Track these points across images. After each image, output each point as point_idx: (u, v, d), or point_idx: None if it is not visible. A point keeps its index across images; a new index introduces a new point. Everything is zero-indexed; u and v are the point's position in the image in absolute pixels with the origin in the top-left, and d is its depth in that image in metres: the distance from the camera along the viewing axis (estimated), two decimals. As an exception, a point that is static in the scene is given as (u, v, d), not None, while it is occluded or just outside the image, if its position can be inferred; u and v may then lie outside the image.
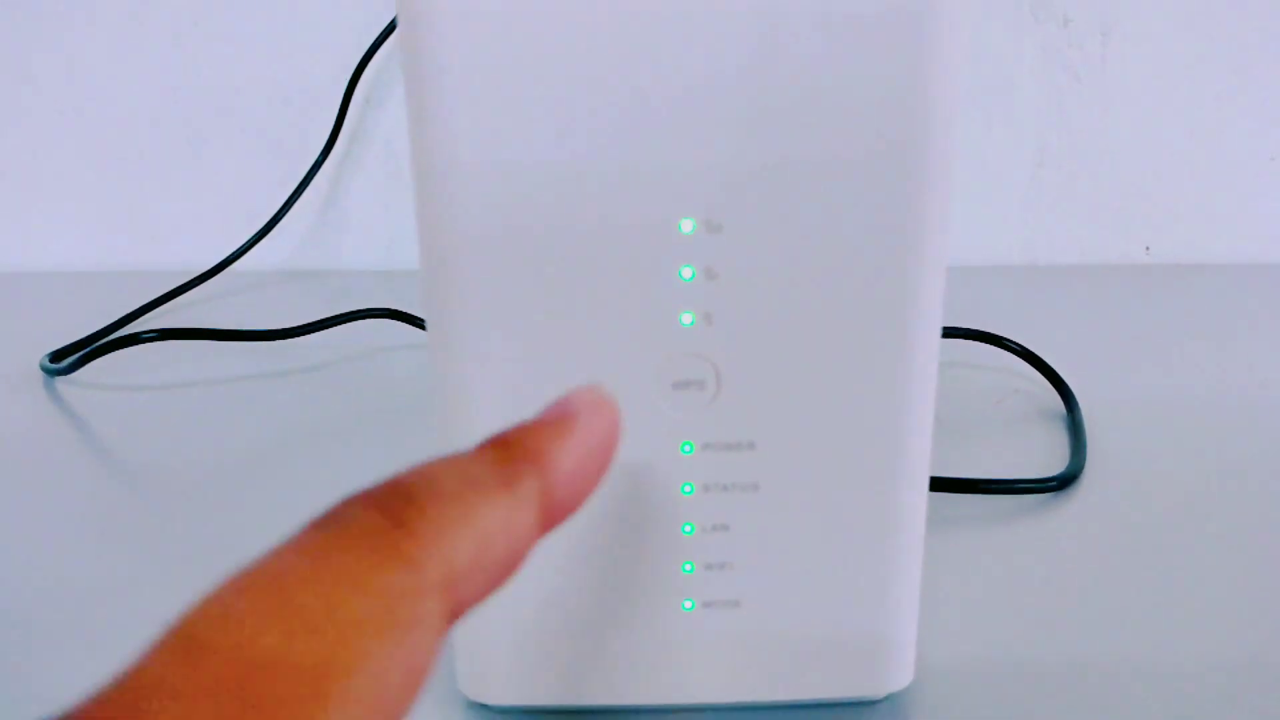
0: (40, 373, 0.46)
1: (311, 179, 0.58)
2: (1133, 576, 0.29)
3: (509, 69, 0.19)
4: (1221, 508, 0.33)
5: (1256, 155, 0.58)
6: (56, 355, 0.47)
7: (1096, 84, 0.58)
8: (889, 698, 0.24)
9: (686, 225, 0.20)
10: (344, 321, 0.50)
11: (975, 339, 0.45)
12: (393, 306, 0.50)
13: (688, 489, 0.22)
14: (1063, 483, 0.35)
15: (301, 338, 0.49)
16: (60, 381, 0.45)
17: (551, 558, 0.22)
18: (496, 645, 0.23)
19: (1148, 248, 0.59)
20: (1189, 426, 0.39)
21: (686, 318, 0.20)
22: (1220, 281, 0.56)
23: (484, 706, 0.24)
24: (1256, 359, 0.45)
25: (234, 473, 0.37)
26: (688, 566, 0.22)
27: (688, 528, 0.22)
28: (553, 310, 0.20)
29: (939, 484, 0.33)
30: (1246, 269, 0.58)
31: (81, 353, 0.46)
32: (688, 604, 0.22)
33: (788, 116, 0.19)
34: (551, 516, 0.14)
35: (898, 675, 0.24)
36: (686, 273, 0.20)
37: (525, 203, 0.20)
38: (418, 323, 0.50)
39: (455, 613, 0.12)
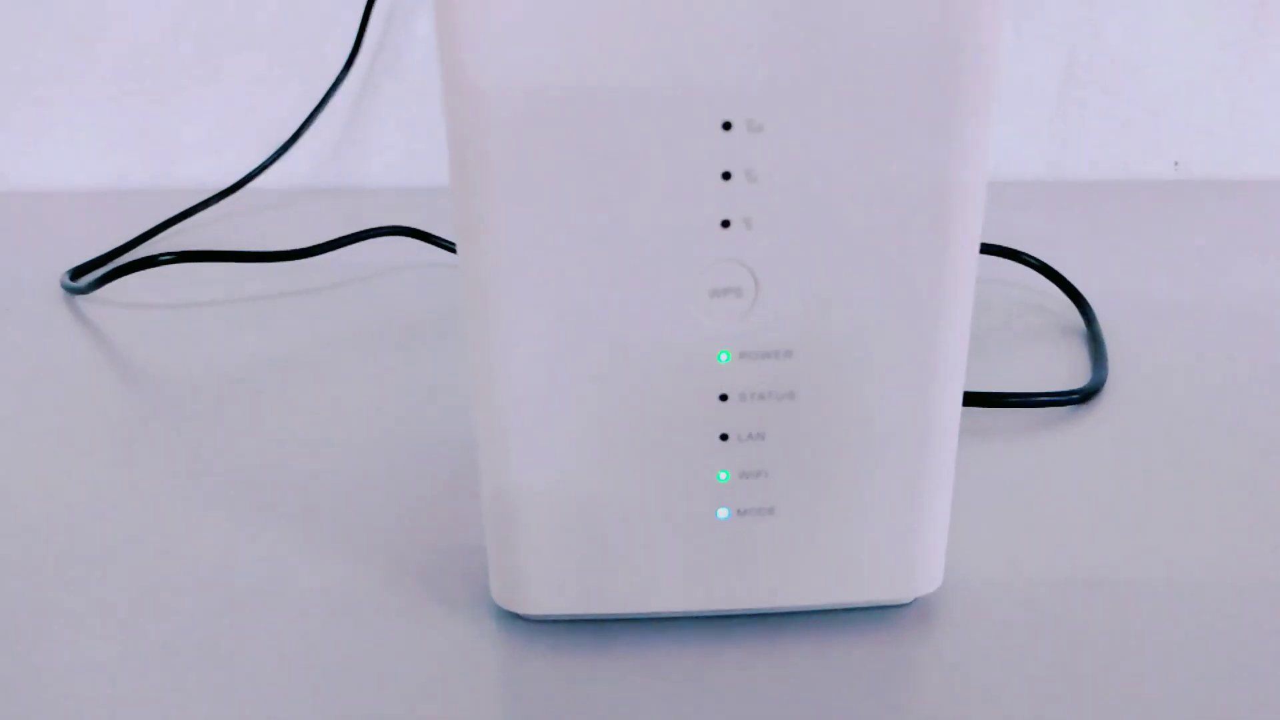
0: (61, 290, 0.46)
1: (332, 95, 0.57)
2: (1154, 488, 0.30)
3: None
4: (1244, 422, 0.33)
5: (1290, 67, 0.57)
6: (76, 273, 0.47)
7: (1128, -7, 0.56)
8: (916, 602, 0.25)
9: (728, 124, 0.19)
10: (359, 240, 0.50)
11: (994, 254, 0.45)
12: (413, 223, 0.50)
13: (724, 397, 0.22)
14: (1085, 396, 0.35)
15: (318, 256, 0.48)
16: (81, 299, 0.45)
17: (586, 467, 0.22)
18: (530, 555, 0.23)
19: (1176, 163, 0.58)
20: (1212, 342, 0.39)
21: (725, 221, 0.20)
22: (1248, 197, 0.55)
23: (518, 616, 0.24)
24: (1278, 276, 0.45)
25: (253, 389, 0.37)
26: (723, 475, 0.22)
27: (724, 436, 0.22)
28: (589, 214, 0.20)
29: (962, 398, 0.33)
30: (1276, 185, 0.57)
31: (101, 272, 0.46)
32: (723, 512, 0.23)
33: (831, 16, 0.19)
34: None
35: (927, 580, 0.24)
36: (727, 174, 0.20)
37: (562, 102, 0.19)
38: (433, 240, 0.49)
39: None
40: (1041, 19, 0.56)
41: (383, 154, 0.61)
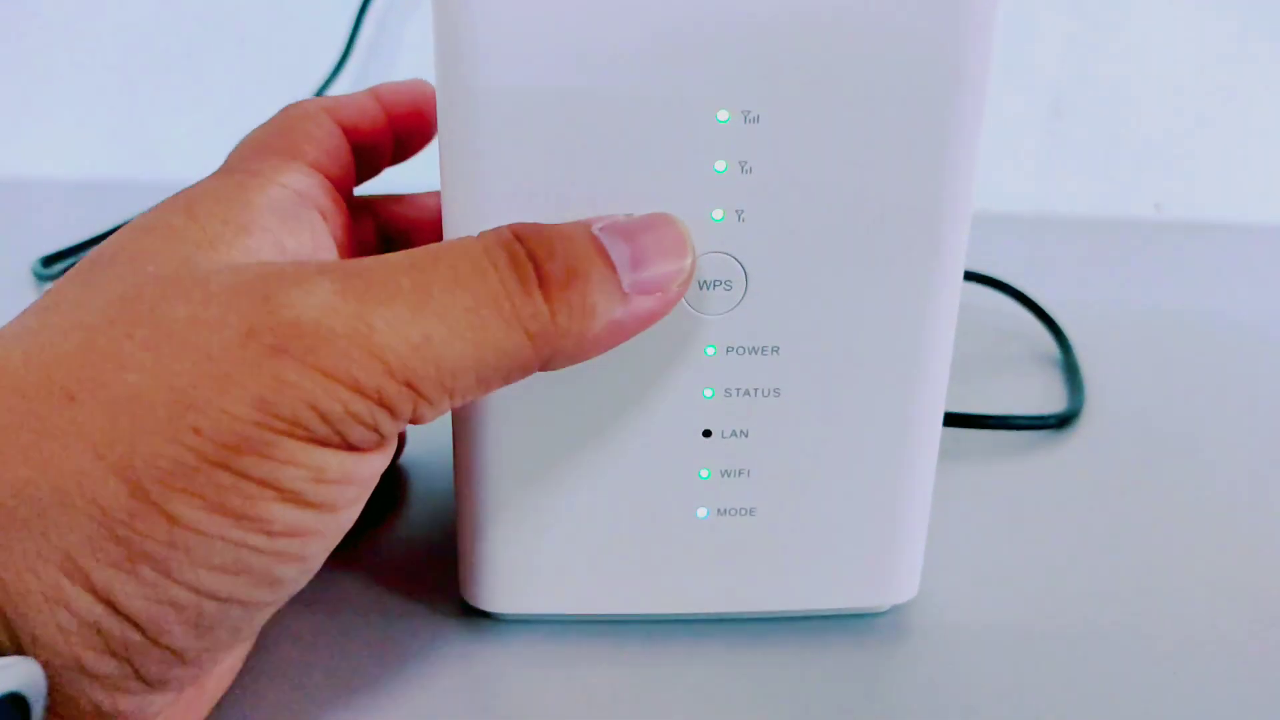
0: (32, 277, 0.45)
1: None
2: (1126, 509, 0.30)
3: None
4: (1215, 450, 0.34)
5: (1272, 115, 0.58)
6: (49, 260, 0.46)
7: (1116, 37, 0.57)
8: (891, 610, 0.24)
9: (723, 115, 0.19)
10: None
11: (973, 280, 0.45)
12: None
13: (709, 393, 0.21)
14: (1061, 421, 0.35)
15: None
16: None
17: (565, 462, 0.22)
18: (505, 553, 0.23)
19: (1157, 205, 0.59)
20: (1187, 377, 0.39)
21: (717, 213, 0.20)
22: (1228, 241, 0.56)
23: (490, 615, 0.24)
24: (1257, 318, 0.46)
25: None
26: (705, 473, 0.22)
27: (707, 433, 0.22)
28: (581, 207, 0.20)
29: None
30: (1256, 229, 0.57)
31: (74, 260, 0.45)
32: (702, 511, 0.22)
33: (829, 12, 0.19)
34: None
35: (903, 588, 0.24)
36: (720, 165, 0.20)
37: (556, 88, 0.19)
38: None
39: None
40: (1030, 57, 0.57)
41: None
